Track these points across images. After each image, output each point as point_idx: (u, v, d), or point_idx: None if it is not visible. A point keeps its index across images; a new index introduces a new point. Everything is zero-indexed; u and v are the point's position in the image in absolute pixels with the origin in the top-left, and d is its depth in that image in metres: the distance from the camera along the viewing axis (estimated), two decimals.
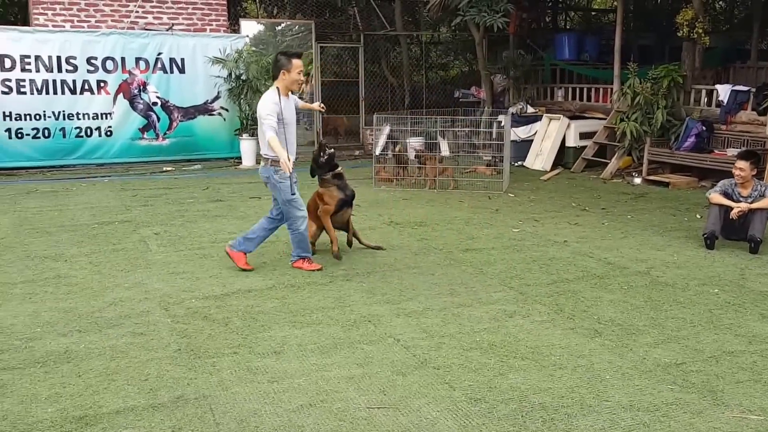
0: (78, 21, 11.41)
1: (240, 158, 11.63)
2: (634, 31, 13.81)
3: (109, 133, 11.21)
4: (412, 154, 10.94)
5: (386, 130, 10.25)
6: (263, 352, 3.79)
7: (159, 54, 11.34)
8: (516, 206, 8.23)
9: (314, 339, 3.99)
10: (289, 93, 5.21)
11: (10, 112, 10.51)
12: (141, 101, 11.36)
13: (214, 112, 11.89)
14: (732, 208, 6.02)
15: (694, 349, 3.86)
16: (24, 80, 10.55)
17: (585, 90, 12.41)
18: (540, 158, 11.49)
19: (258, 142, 12.41)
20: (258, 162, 12.11)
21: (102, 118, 11.12)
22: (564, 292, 4.87)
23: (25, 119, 10.63)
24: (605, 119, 11.22)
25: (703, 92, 10.28)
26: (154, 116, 11.48)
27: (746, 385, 3.41)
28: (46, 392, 3.30)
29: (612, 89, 11.43)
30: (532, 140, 11.80)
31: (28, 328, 4.11)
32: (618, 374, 3.55)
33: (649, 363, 3.68)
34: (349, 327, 4.19)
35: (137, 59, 11.21)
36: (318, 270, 5.37)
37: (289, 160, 4.91)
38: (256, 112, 4.97)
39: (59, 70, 10.73)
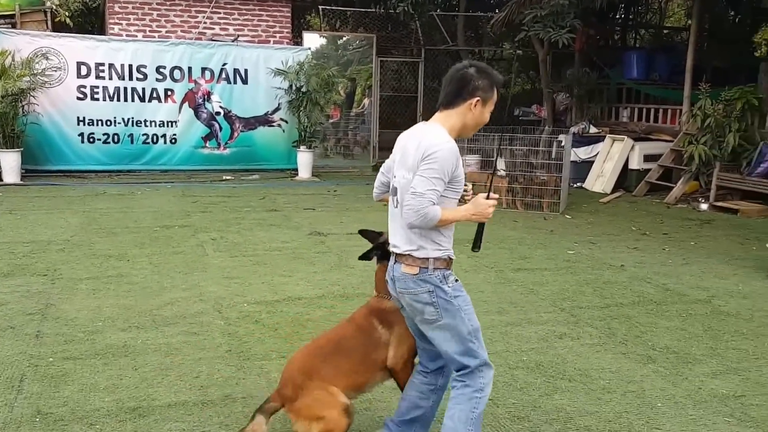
0: (150, 31, 11.94)
1: (296, 170, 11.85)
2: (708, 51, 13.31)
3: (173, 141, 11.62)
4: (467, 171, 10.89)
5: None
6: None
7: (224, 65, 11.70)
8: (573, 228, 8.07)
9: None
10: None
11: (84, 118, 11.05)
12: (205, 110, 11.75)
13: (274, 124, 12.16)
14: None
15: (756, 382, 3.70)
16: (98, 87, 11.09)
17: (652, 111, 12.08)
18: (601, 180, 11.24)
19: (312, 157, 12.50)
20: (315, 175, 12.38)
21: (168, 126, 11.55)
22: (617, 317, 4.74)
23: (97, 125, 11.15)
24: (672, 142, 10.89)
25: None
26: (217, 126, 11.84)
27: None
28: (104, 383, 3.45)
29: (681, 111, 11.10)
30: (593, 161, 11.56)
31: (91, 321, 4.30)
32: (670, 403, 3.44)
33: (705, 393, 3.55)
34: None
35: (203, 69, 11.60)
36: None
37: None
38: (410, 159, 2.55)
39: (130, 78, 11.23)
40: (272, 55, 11.89)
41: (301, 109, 11.55)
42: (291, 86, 11.52)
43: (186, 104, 11.61)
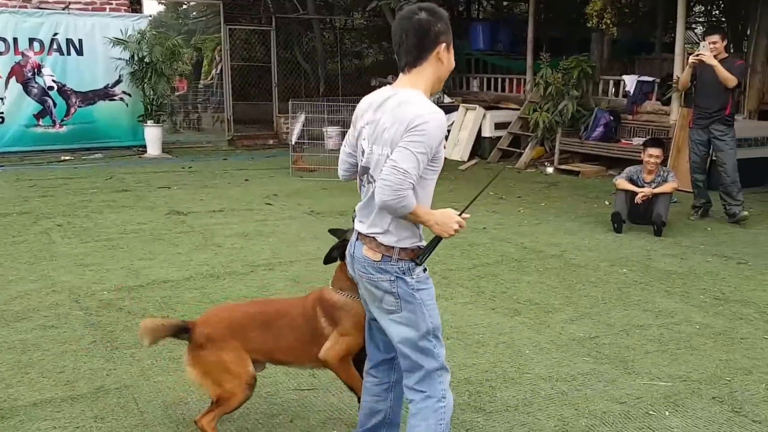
0: None
1: (144, 146, 11.12)
2: (546, 22, 14.16)
3: (0, 120, 10.39)
4: (330, 144, 10.88)
5: (301, 118, 10.12)
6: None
7: (55, 34, 10.61)
8: (436, 196, 8.08)
9: None
10: None
11: None
12: (35, 85, 10.61)
13: (116, 97, 11.26)
14: (637, 193, 6.37)
15: (606, 324, 4.09)
16: None
17: (499, 80, 12.57)
18: (458, 148, 11.68)
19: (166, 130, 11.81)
20: (166, 152, 11.64)
21: None
22: (485, 276, 5.00)
23: None
24: (519, 110, 11.42)
25: (611, 83, 10.65)
26: (50, 101, 10.76)
27: (654, 355, 3.64)
28: None
29: (525, 80, 11.70)
30: (449, 130, 11.98)
31: None
32: (537, 349, 3.71)
33: (564, 338, 3.87)
34: None
35: (31, 40, 10.45)
36: None
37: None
38: (386, 132, 2.20)
39: None
40: (109, 24, 10.96)
41: (146, 80, 10.76)
42: (133, 56, 10.69)
43: (13, 79, 10.42)
